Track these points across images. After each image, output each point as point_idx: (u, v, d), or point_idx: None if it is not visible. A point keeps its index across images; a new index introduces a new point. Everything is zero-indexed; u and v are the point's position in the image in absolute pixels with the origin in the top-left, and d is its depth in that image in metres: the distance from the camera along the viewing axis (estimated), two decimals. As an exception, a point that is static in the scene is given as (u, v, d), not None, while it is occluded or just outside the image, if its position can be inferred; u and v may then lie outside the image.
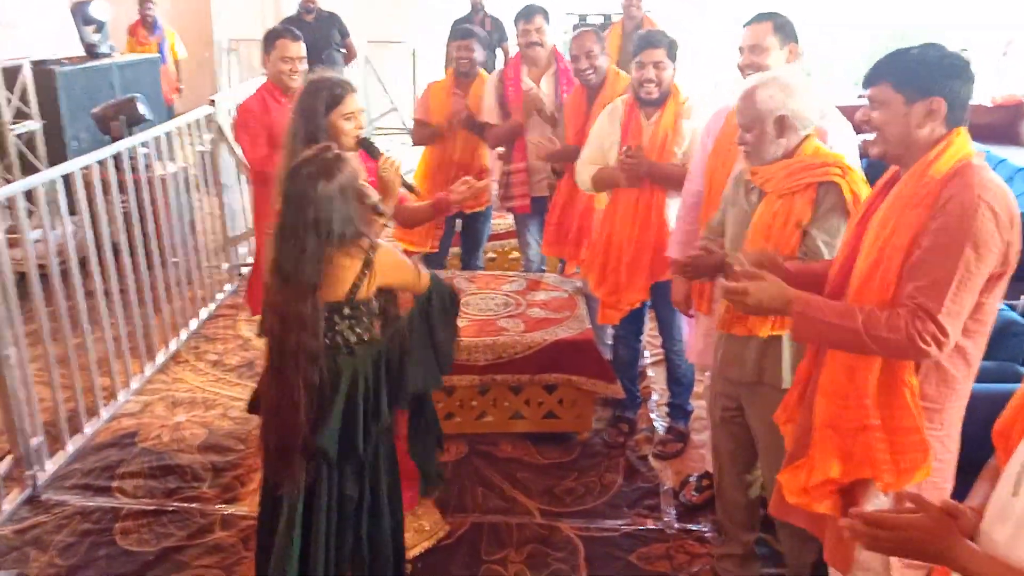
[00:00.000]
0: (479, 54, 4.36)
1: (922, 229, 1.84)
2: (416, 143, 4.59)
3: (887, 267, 1.89)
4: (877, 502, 2.00)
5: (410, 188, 2.89)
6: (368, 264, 2.20)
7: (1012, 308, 3.23)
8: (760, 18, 2.84)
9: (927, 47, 1.91)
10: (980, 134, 6.63)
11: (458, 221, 4.54)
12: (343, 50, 6.92)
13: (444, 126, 4.27)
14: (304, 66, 3.66)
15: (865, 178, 2.39)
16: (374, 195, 2.42)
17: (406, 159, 4.48)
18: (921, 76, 1.86)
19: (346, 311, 2.24)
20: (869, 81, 1.95)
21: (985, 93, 7.85)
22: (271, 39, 3.63)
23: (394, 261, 2.29)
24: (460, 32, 4.44)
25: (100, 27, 6.75)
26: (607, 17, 8.21)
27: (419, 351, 2.46)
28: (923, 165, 1.88)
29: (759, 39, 2.80)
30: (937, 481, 1.96)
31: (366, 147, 2.77)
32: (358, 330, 2.27)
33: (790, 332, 2.08)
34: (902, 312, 1.83)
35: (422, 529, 3.03)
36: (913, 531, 1.34)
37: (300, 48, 3.64)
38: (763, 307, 2.00)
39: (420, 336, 2.47)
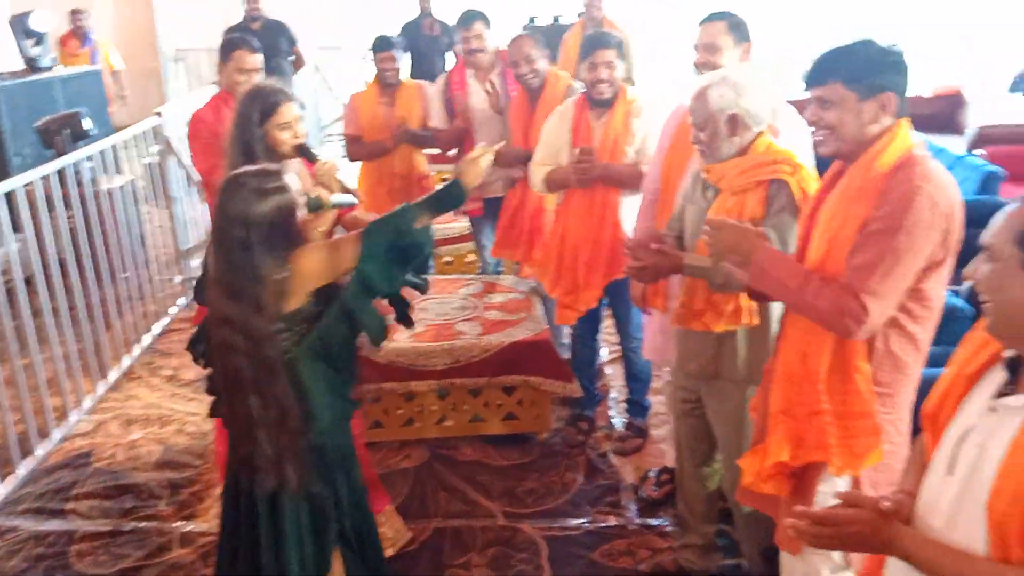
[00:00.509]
0: (400, 63, 4.36)
1: (867, 220, 1.88)
2: (354, 159, 4.49)
3: (836, 258, 1.93)
4: (830, 484, 2.04)
5: (349, 192, 2.83)
6: (286, 279, 2.09)
7: (956, 294, 3.31)
8: (714, 17, 2.86)
9: (866, 42, 1.93)
10: (921, 124, 6.78)
11: None
12: (292, 58, 6.85)
13: (389, 142, 4.22)
14: (261, 77, 3.62)
15: (818, 174, 2.43)
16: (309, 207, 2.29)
17: (348, 165, 4.47)
18: (871, 72, 1.89)
19: (281, 324, 2.14)
20: (816, 80, 1.96)
21: (926, 84, 8.05)
22: (228, 49, 3.59)
23: (310, 265, 2.11)
24: (381, 44, 4.36)
25: (40, 40, 6.61)
26: (556, 19, 8.25)
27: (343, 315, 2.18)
28: (869, 159, 1.91)
29: (713, 38, 2.82)
30: (891, 463, 2.00)
31: (302, 152, 2.72)
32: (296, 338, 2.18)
33: (747, 279, 2.11)
34: (836, 285, 1.89)
35: (384, 537, 3.01)
36: (852, 525, 1.37)
37: (257, 60, 3.61)
38: (731, 248, 2.05)
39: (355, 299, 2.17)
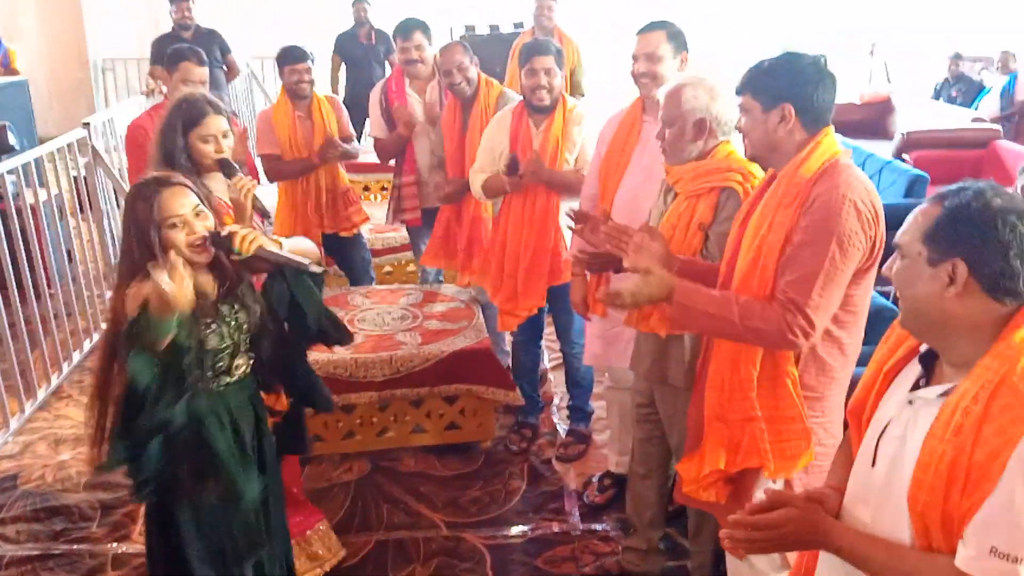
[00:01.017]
0: (312, 74, 4.13)
1: (794, 227, 1.92)
2: (275, 179, 4.27)
3: (764, 264, 1.97)
4: (766, 489, 2.06)
5: (264, 214, 2.76)
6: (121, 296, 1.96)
7: (884, 295, 3.39)
8: (653, 27, 2.86)
9: (783, 57, 2.02)
10: (850, 130, 6.98)
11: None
12: (225, 68, 6.73)
13: (315, 158, 4.05)
14: (206, 89, 3.56)
15: None
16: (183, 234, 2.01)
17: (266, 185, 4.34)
18: (772, 85, 1.98)
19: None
20: (737, 90, 2.07)
21: (854, 91, 8.27)
22: (174, 60, 3.58)
23: (130, 297, 1.94)
24: (294, 55, 4.05)
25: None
26: (494, 27, 8.27)
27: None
28: (793, 166, 1.96)
29: (653, 47, 2.82)
30: (822, 465, 2.03)
31: (223, 167, 2.63)
32: None
33: (669, 322, 2.15)
34: (775, 305, 1.92)
35: (315, 555, 2.92)
36: (786, 526, 1.40)
37: (204, 72, 3.60)
38: (648, 299, 2.06)
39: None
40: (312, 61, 4.12)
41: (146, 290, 1.87)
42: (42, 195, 4.55)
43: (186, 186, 2.04)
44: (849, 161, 1.98)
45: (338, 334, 2.29)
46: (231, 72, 6.77)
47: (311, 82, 4.11)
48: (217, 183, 2.64)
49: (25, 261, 4.14)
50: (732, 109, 2.41)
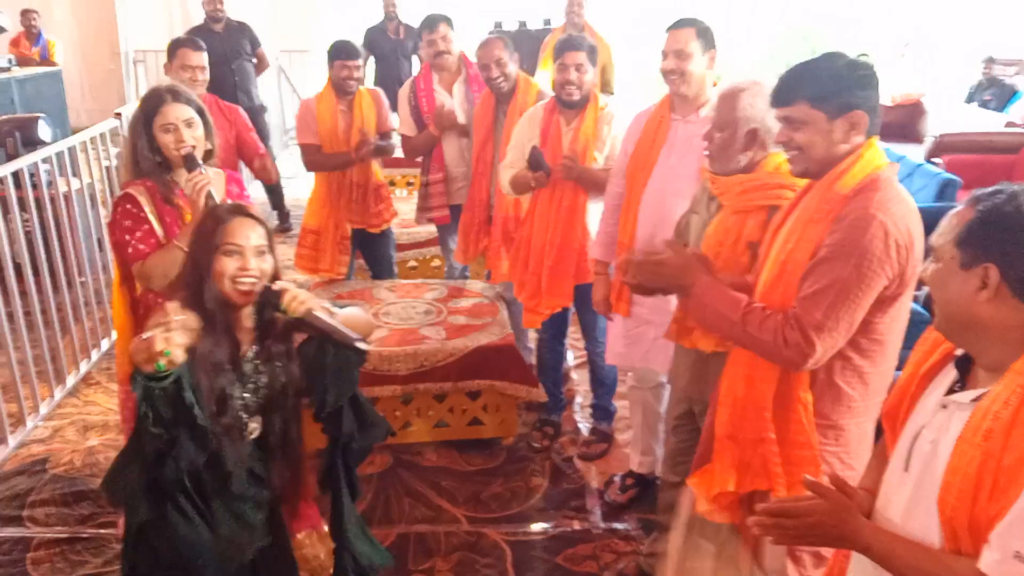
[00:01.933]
0: (362, 71, 4.20)
1: (821, 244, 1.82)
2: (312, 169, 4.31)
3: (788, 280, 1.88)
4: (803, 476, 2.03)
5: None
6: None
7: (914, 299, 3.36)
8: (683, 23, 2.83)
9: (832, 58, 1.87)
10: (881, 132, 6.92)
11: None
12: (254, 60, 6.79)
13: (353, 154, 4.08)
14: (206, 75, 3.71)
15: None
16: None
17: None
18: (838, 91, 1.82)
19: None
20: (782, 100, 1.89)
21: (885, 92, 8.18)
22: (173, 49, 3.70)
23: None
24: (347, 51, 4.09)
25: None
26: (522, 24, 8.27)
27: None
28: (830, 179, 1.85)
29: (683, 44, 2.79)
30: None
31: (185, 161, 2.51)
32: None
33: (686, 312, 2.08)
34: (779, 316, 1.84)
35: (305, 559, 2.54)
36: (815, 516, 1.39)
37: (201, 57, 3.68)
38: (668, 280, 2.00)
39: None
40: (364, 60, 4.19)
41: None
42: (74, 184, 4.62)
43: (260, 222, 1.98)
44: (891, 176, 1.84)
45: (362, 425, 2.08)
46: (261, 65, 6.81)
47: (359, 80, 4.15)
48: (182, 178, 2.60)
49: (57, 249, 4.20)
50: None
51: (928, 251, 1.39)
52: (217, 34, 6.46)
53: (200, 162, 2.53)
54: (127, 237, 2.52)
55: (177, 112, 2.50)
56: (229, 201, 2.24)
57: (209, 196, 2.45)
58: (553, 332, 3.75)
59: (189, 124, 2.52)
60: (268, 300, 1.93)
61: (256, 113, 6.64)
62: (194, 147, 2.52)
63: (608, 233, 3.12)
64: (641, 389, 3.28)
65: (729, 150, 2.31)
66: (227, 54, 6.42)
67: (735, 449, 2.03)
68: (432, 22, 4.07)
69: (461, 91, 4.13)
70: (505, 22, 8.16)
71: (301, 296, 1.92)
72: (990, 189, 1.32)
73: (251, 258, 1.92)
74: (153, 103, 2.50)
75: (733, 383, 2.03)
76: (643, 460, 3.35)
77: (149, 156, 2.52)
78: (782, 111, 1.90)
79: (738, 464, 2.03)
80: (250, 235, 1.94)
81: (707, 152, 2.38)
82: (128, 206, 2.53)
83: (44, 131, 5.19)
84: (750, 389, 1.98)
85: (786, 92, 1.87)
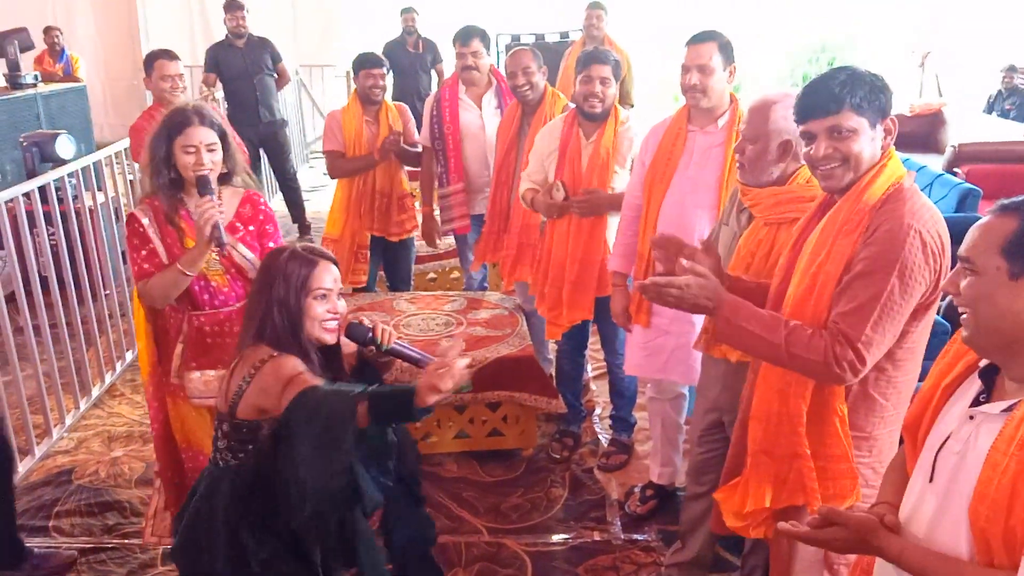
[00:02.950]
0: (386, 80, 4.30)
1: (854, 256, 1.81)
2: (336, 176, 4.38)
3: (820, 293, 1.86)
4: (820, 507, 2.02)
5: (219, 244, 2.49)
6: (247, 381, 1.94)
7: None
8: (704, 37, 2.78)
9: (856, 70, 1.85)
10: (900, 142, 6.90)
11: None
12: (275, 75, 6.88)
13: (376, 154, 4.16)
14: (184, 83, 3.97)
15: None
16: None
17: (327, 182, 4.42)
18: (876, 97, 1.82)
19: (225, 427, 2.01)
20: (825, 109, 1.83)
21: (904, 102, 8.16)
22: (150, 61, 3.92)
23: (265, 383, 1.92)
24: (369, 61, 4.22)
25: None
26: (539, 37, 8.33)
27: (292, 479, 1.87)
28: (857, 190, 1.84)
29: (705, 59, 2.76)
30: (867, 507, 1.95)
31: (200, 185, 2.50)
32: (238, 453, 2.01)
33: (715, 335, 2.08)
34: (825, 335, 1.82)
35: None
36: (837, 543, 1.41)
37: (178, 66, 3.95)
38: (691, 304, 1.94)
39: (288, 462, 1.88)
40: (387, 69, 4.27)
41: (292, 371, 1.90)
42: (99, 198, 4.68)
43: (334, 263, 2.07)
44: (913, 185, 1.85)
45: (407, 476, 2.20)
46: (282, 79, 6.91)
47: (384, 88, 4.25)
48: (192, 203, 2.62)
49: (82, 262, 4.26)
50: None
51: (958, 263, 1.37)
52: (239, 49, 6.55)
53: (213, 188, 2.52)
54: (134, 255, 2.58)
55: (201, 135, 2.49)
56: (298, 245, 2.22)
57: (215, 228, 2.44)
58: (573, 344, 3.76)
59: (210, 148, 2.51)
60: (358, 335, 2.07)
61: (277, 127, 6.72)
62: (210, 171, 2.52)
63: (626, 244, 3.13)
64: (660, 400, 3.28)
65: (761, 162, 2.30)
66: (249, 69, 6.51)
67: (771, 464, 2.02)
68: (467, 36, 4.07)
69: (492, 103, 4.16)
70: (523, 35, 8.22)
71: (388, 329, 2.07)
72: (1021, 198, 1.31)
73: (335, 300, 2.05)
74: (179, 122, 2.50)
75: (766, 397, 2.01)
76: (663, 471, 3.35)
77: (164, 172, 2.52)
78: (825, 121, 1.84)
79: (774, 480, 2.02)
80: (332, 278, 2.04)
81: (739, 164, 2.37)
82: (135, 226, 2.57)
83: (64, 148, 5.26)
84: (784, 404, 1.96)
85: (828, 100, 1.82)
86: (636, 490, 3.41)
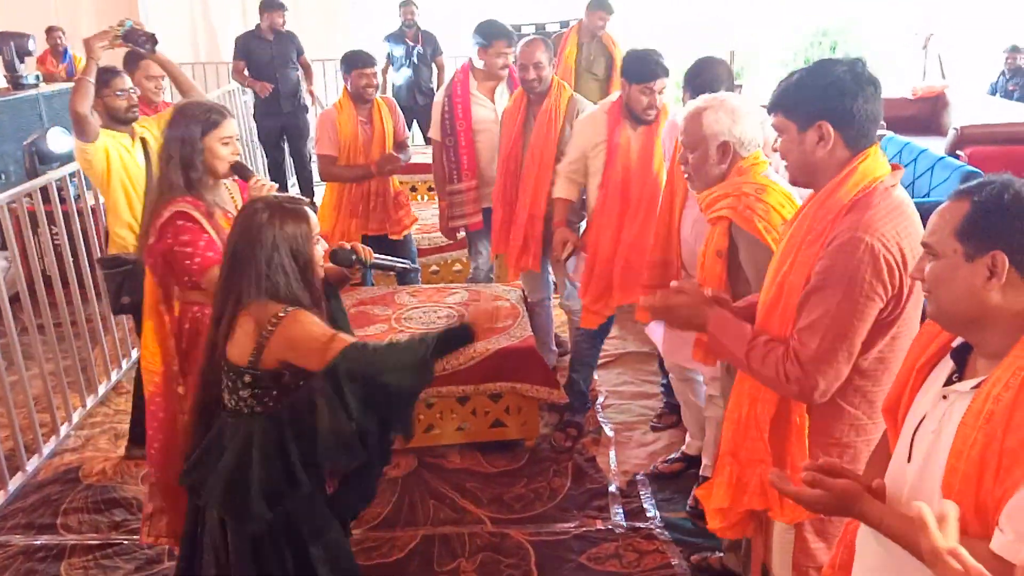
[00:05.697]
0: (378, 79, 4.28)
1: (815, 267, 1.78)
2: (327, 180, 4.34)
3: (786, 304, 1.85)
4: (784, 530, 2.05)
5: None
6: (266, 336, 2.05)
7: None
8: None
9: (816, 67, 1.85)
10: (903, 125, 6.86)
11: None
12: (299, 68, 7.06)
13: (373, 167, 4.13)
14: (165, 83, 3.99)
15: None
16: (319, 263, 2.22)
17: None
18: (806, 101, 1.81)
19: (247, 378, 2.11)
20: (769, 110, 1.92)
21: (907, 86, 8.12)
22: (134, 59, 3.95)
23: (291, 337, 2.04)
24: (362, 59, 4.16)
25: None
26: (540, 27, 8.30)
27: (330, 428, 2.04)
28: (825, 195, 1.81)
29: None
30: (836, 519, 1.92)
31: (237, 170, 2.70)
32: (263, 400, 2.14)
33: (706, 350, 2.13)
34: (780, 350, 1.82)
35: None
36: (820, 506, 1.44)
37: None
38: (686, 322, 2.04)
39: (329, 412, 2.03)
40: (378, 66, 4.26)
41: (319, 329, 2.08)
42: (102, 198, 4.70)
43: (313, 209, 2.23)
44: (888, 189, 1.77)
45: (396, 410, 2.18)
46: (308, 72, 7.20)
47: (376, 87, 4.23)
48: (219, 194, 2.71)
49: (86, 261, 4.29)
50: (754, 128, 2.38)
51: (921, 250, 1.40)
52: (268, 42, 6.75)
53: (251, 169, 2.75)
54: (189, 250, 2.55)
55: (233, 127, 2.68)
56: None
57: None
58: (598, 331, 3.77)
59: (237, 138, 2.73)
60: (344, 259, 2.40)
61: (299, 113, 7.12)
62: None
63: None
64: (679, 381, 3.40)
65: (704, 167, 2.41)
66: (275, 62, 6.79)
67: (735, 466, 2.05)
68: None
69: (504, 96, 4.17)
70: (523, 26, 8.20)
71: (363, 247, 2.44)
72: (975, 182, 1.34)
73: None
74: (214, 119, 2.62)
75: (739, 401, 2.04)
76: (690, 443, 3.51)
77: (199, 166, 2.60)
78: (773, 120, 1.91)
79: (736, 482, 2.04)
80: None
81: (686, 174, 2.47)
82: (182, 222, 2.56)
83: (56, 141, 5.30)
84: (752, 409, 1.98)
85: (772, 102, 1.90)
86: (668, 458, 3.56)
